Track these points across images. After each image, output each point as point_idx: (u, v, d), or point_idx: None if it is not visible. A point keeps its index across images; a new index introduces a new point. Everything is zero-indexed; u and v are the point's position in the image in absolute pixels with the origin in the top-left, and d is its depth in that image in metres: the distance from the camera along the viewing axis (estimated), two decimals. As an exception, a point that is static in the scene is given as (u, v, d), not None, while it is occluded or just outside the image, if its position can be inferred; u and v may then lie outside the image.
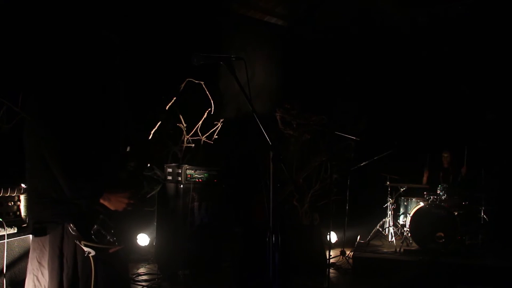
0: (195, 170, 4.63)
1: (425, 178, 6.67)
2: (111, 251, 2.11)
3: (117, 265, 2.19)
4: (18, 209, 3.27)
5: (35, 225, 2.12)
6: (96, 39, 2.31)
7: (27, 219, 3.26)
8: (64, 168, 2.03)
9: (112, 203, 2.14)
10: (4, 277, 2.98)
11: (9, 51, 3.90)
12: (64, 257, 2.11)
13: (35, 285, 2.17)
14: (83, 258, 2.08)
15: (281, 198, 4.45)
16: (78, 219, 2.06)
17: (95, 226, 2.07)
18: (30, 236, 3.18)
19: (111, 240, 2.10)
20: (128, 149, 2.43)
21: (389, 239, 6.13)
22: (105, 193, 2.12)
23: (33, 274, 2.18)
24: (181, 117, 5.02)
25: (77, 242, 2.05)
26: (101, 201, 2.12)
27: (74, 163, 2.05)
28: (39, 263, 2.17)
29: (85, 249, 2.04)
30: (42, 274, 2.16)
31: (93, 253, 2.05)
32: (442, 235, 5.40)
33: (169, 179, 4.68)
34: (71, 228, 2.05)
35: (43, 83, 2.21)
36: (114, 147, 2.38)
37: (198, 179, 4.64)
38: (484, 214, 5.84)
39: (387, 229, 6.22)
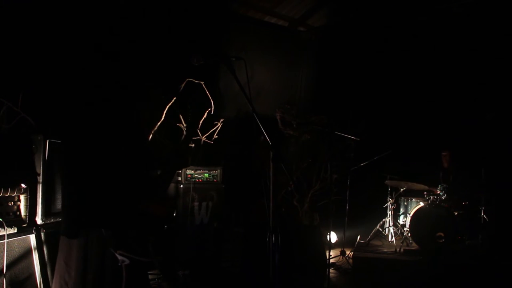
0: (195, 170, 4.63)
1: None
2: (145, 260, 2.11)
3: (144, 274, 2.20)
4: (18, 209, 3.26)
5: (72, 226, 2.11)
6: (94, 41, 2.32)
7: (26, 219, 3.27)
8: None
9: (153, 209, 2.17)
10: (4, 277, 2.97)
11: (9, 51, 3.90)
12: (88, 262, 2.12)
13: (61, 286, 2.17)
14: (113, 267, 2.07)
15: (277, 198, 4.44)
16: (116, 227, 2.05)
17: (132, 234, 2.06)
18: (31, 236, 3.19)
19: (147, 249, 2.10)
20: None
21: (389, 239, 6.13)
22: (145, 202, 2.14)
23: (60, 275, 2.18)
24: (181, 117, 5.02)
25: (112, 250, 2.03)
26: (143, 207, 2.14)
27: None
28: (66, 264, 2.18)
29: (120, 257, 2.03)
30: (69, 274, 2.16)
31: (127, 262, 2.03)
32: (442, 235, 5.40)
33: (169, 179, 4.68)
34: (106, 235, 2.03)
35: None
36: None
37: (198, 179, 4.64)
38: (484, 214, 5.84)
39: (387, 229, 6.22)
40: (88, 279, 2.11)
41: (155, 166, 2.39)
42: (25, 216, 3.17)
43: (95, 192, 2.06)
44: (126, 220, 2.08)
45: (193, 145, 5.21)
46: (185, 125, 2.53)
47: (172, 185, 4.63)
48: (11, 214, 3.17)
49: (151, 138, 4.83)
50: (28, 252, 3.18)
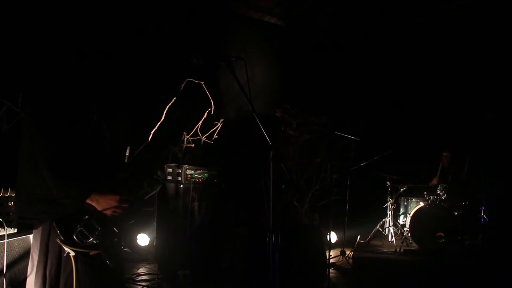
0: (195, 170, 4.63)
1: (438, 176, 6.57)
2: (91, 253, 2.08)
3: (104, 266, 2.14)
4: (18, 209, 3.26)
5: (19, 220, 2.14)
6: (94, 41, 2.32)
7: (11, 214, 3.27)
8: (51, 166, 2.03)
9: (100, 204, 2.13)
10: (4, 277, 2.97)
11: (10, 52, 3.90)
12: (49, 254, 2.12)
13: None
14: (65, 257, 2.09)
15: (286, 199, 4.44)
16: (61, 219, 2.04)
17: (78, 227, 2.04)
18: (31, 236, 3.19)
19: (93, 242, 2.06)
20: (127, 151, 2.42)
21: (389, 239, 6.13)
22: (93, 193, 2.11)
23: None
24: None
25: (58, 241, 2.04)
26: (89, 201, 2.10)
27: (61, 163, 2.05)
28: (32, 257, 2.20)
29: (66, 249, 2.04)
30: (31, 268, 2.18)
31: (72, 253, 2.04)
32: (442, 235, 5.40)
33: (169, 179, 4.68)
34: (53, 227, 2.04)
35: (39, 84, 2.23)
36: (111, 149, 2.38)
37: (198, 179, 4.64)
38: (484, 214, 5.84)
39: (387, 229, 6.22)
40: (47, 273, 2.13)
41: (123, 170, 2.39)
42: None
43: (46, 185, 2.05)
44: (75, 213, 2.07)
45: (193, 145, 5.22)
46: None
47: (172, 185, 4.63)
48: (11, 214, 3.17)
49: (150, 139, 4.84)
50: (28, 252, 3.18)
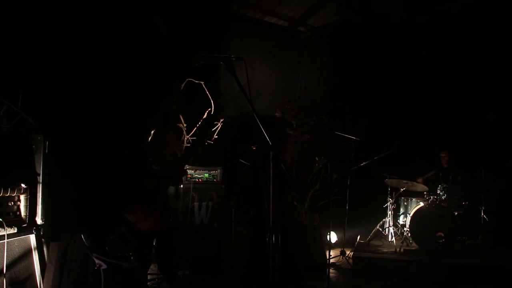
0: (195, 170, 4.63)
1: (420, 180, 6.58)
2: (125, 267, 2.00)
3: (132, 279, 2.10)
4: (18, 209, 3.26)
5: (48, 228, 2.09)
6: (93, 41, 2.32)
7: (26, 219, 3.26)
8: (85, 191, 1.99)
9: (134, 217, 2.07)
10: (4, 277, 2.97)
11: (10, 51, 3.90)
12: (66, 266, 2.06)
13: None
14: (94, 270, 2.01)
15: (289, 202, 4.43)
16: (93, 229, 1.97)
17: (112, 238, 1.95)
18: (31, 236, 3.19)
19: (126, 255, 1.97)
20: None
21: (389, 239, 6.13)
22: (128, 211, 2.05)
23: (47, 276, 2.16)
24: (181, 117, 5.02)
25: (89, 253, 1.96)
26: (126, 215, 2.04)
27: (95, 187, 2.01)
28: (51, 264, 2.16)
29: (97, 261, 1.95)
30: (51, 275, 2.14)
31: (104, 266, 1.96)
32: (442, 235, 5.40)
33: (169, 179, 4.67)
34: (84, 237, 1.95)
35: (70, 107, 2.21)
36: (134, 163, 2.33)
37: (198, 179, 4.64)
38: (484, 214, 5.84)
39: (387, 229, 6.22)
40: (69, 282, 2.06)
41: (151, 176, 2.33)
42: (25, 216, 3.16)
43: (83, 196, 2.00)
44: (108, 225, 2.00)
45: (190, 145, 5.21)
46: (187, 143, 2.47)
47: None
48: (11, 214, 3.16)
49: (151, 140, 4.83)
50: (28, 252, 3.17)
